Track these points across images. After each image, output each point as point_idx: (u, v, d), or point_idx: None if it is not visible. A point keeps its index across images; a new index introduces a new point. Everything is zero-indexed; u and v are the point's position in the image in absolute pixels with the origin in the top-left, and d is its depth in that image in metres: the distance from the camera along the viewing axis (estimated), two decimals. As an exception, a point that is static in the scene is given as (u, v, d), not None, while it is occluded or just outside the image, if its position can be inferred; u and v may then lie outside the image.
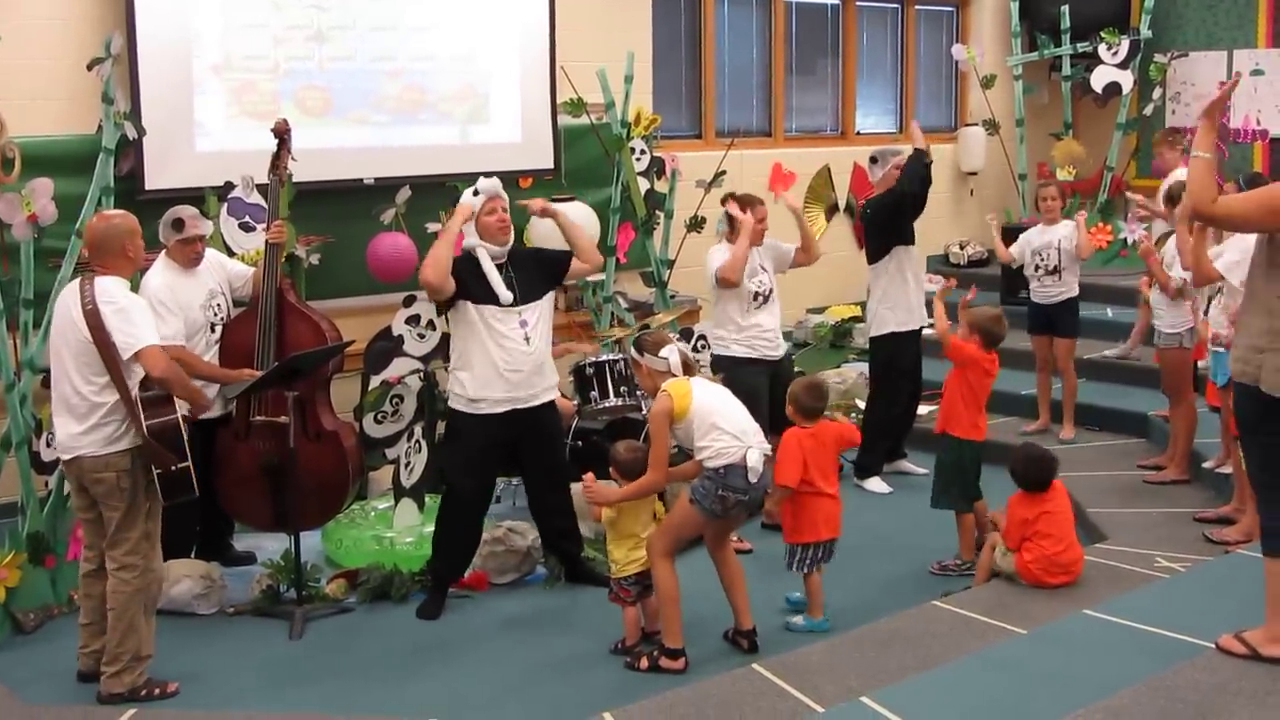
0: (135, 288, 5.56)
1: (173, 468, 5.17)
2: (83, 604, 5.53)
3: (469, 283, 6.15)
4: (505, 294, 6.14)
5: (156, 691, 5.39)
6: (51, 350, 5.35)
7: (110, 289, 5.16)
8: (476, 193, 6.24)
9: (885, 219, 7.91)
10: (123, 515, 5.25)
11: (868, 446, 8.13)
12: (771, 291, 7.38)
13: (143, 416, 5.15)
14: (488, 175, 6.42)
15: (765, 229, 7.36)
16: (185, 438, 5.24)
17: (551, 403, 6.44)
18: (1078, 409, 8.68)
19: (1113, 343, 9.68)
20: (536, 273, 6.34)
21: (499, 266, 6.20)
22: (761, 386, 7.07)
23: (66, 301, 5.24)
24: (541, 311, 6.30)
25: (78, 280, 5.29)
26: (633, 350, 5.88)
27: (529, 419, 6.28)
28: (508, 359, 6.15)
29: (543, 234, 8.69)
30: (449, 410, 6.41)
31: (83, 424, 5.19)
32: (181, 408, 5.35)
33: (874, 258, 7.99)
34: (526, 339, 6.18)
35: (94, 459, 5.19)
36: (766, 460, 5.53)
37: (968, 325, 6.63)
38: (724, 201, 7.47)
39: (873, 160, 8.03)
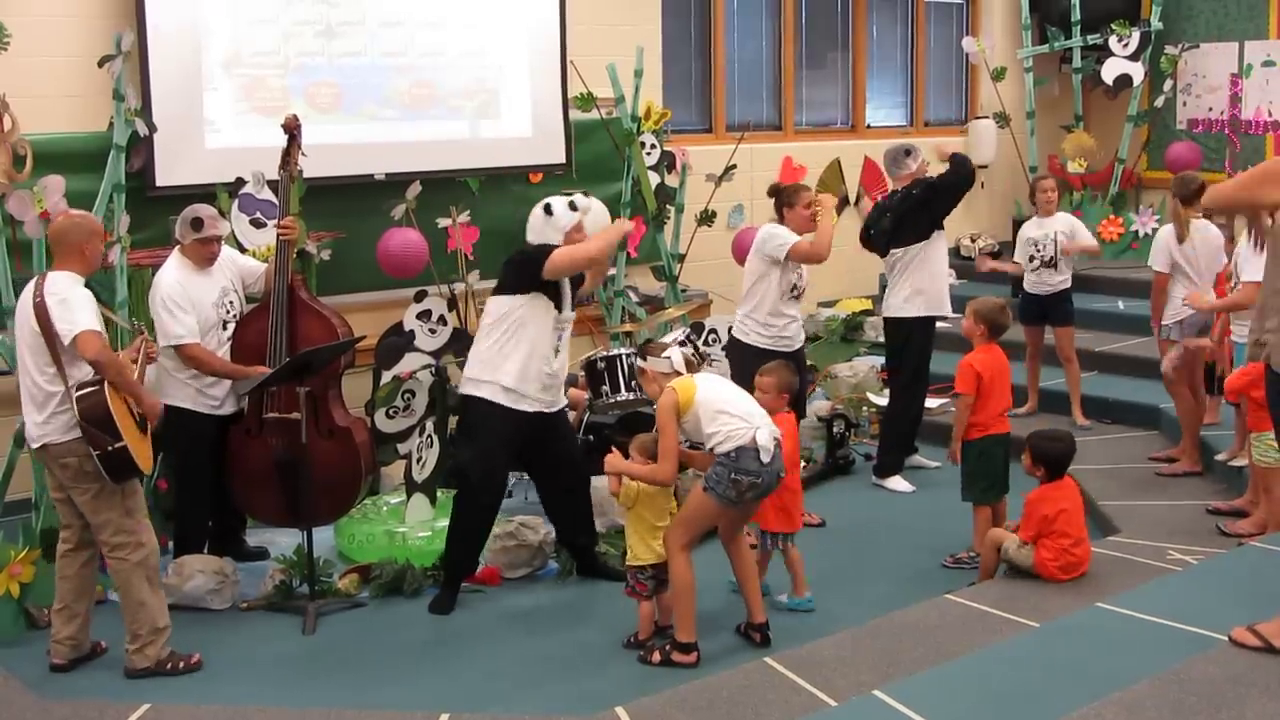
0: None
1: (109, 448, 5.25)
2: (58, 587, 5.60)
3: (549, 284, 6.16)
4: (569, 311, 6.27)
5: (181, 664, 5.54)
6: (17, 344, 5.49)
7: (59, 282, 5.31)
8: (574, 207, 6.21)
9: (932, 193, 7.80)
10: (94, 497, 5.39)
11: (888, 445, 8.11)
12: (806, 286, 7.48)
13: (74, 401, 5.26)
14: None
15: (814, 214, 7.37)
16: (118, 418, 5.26)
17: (564, 408, 6.51)
18: (1089, 401, 8.68)
19: (1123, 336, 9.69)
20: (578, 281, 6.45)
21: None
22: None
23: (24, 298, 5.39)
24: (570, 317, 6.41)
25: (35, 278, 5.43)
26: (637, 361, 5.93)
27: (548, 423, 6.31)
28: (546, 362, 6.20)
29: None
30: (470, 401, 6.26)
31: (42, 412, 5.36)
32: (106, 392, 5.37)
33: (904, 241, 7.81)
34: (556, 351, 6.24)
35: (57, 445, 5.35)
36: (777, 443, 5.53)
37: (973, 316, 6.60)
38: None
39: (906, 153, 7.88)
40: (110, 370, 5.30)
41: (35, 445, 5.43)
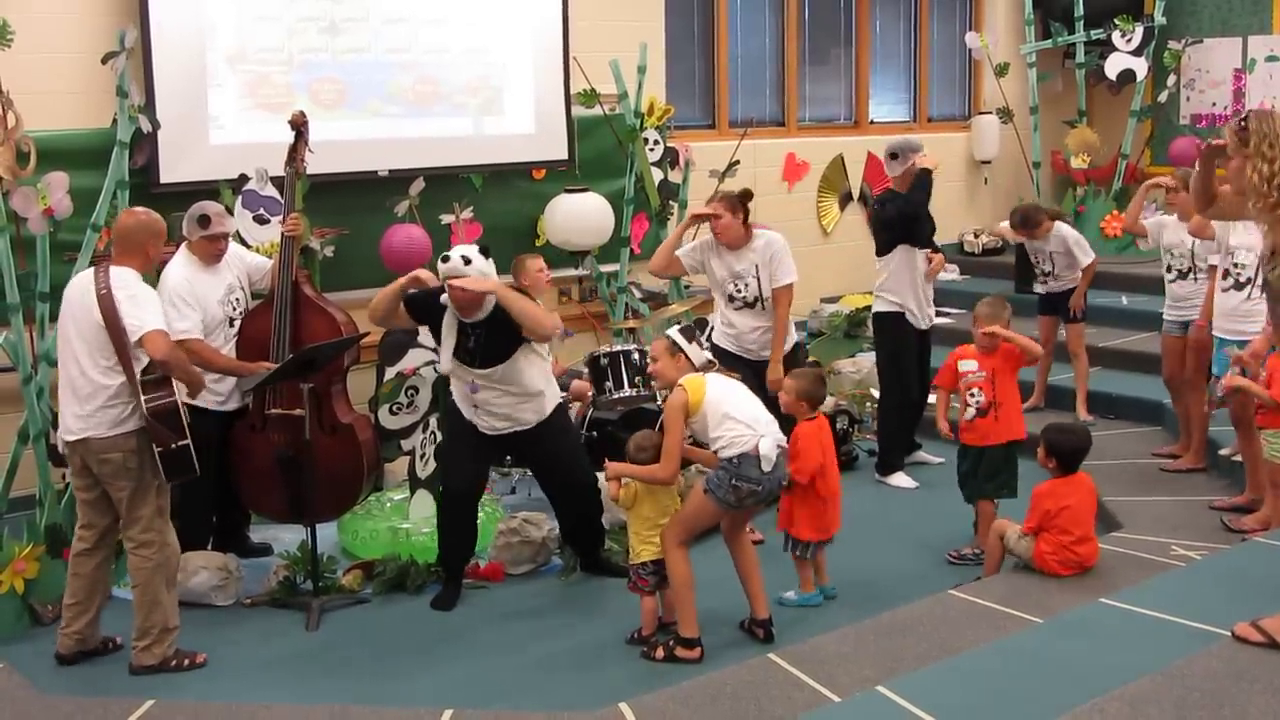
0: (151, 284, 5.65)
1: (172, 445, 5.32)
2: (70, 583, 5.60)
3: (432, 325, 6.15)
4: (444, 363, 6.09)
5: (186, 662, 5.56)
6: (60, 335, 5.48)
7: (125, 277, 5.33)
8: (452, 259, 5.92)
9: (896, 221, 7.85)
10: (131, 494, 5.40)
11: (887, 441, 8.12)
12: (758, 300, 7.10)
13: (142, 397, 5.29)
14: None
15: (725, 228, 7.02)
16: (184, 418, 5.39)
17: (540, 422, 6.31)
18: (1094, 396, 8.68)
19: (1126, 331, 9.69)
20: (507, 335, 6.07)
21: (473, 324, 6.05)
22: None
23: (80, 288, 5.37)
24: (504, 371, 6.10)
25: (91, 269, 5.44)
26: (677, 335, 5.72)
27: (516, 437, 6.30)
28: (465, 397, 6.20)
29: (557, 225, 8.73)
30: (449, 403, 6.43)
31: (88, 406, 5.33)
32: (180, 393, 5.48)
33: (881, 251, 7.93)
34: (475, 407, 6.18)
35: (101, 440, 5.33)
36: (780, 451, 5.54)
37: (992, 321, 6.47)
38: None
39: (892, 156, 7.87)
40: (178, 370, 5.36)
41: (73, 438, 5.39)
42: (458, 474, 6.30)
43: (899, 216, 7.80)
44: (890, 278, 7.88)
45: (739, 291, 7.11)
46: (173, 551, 5.56)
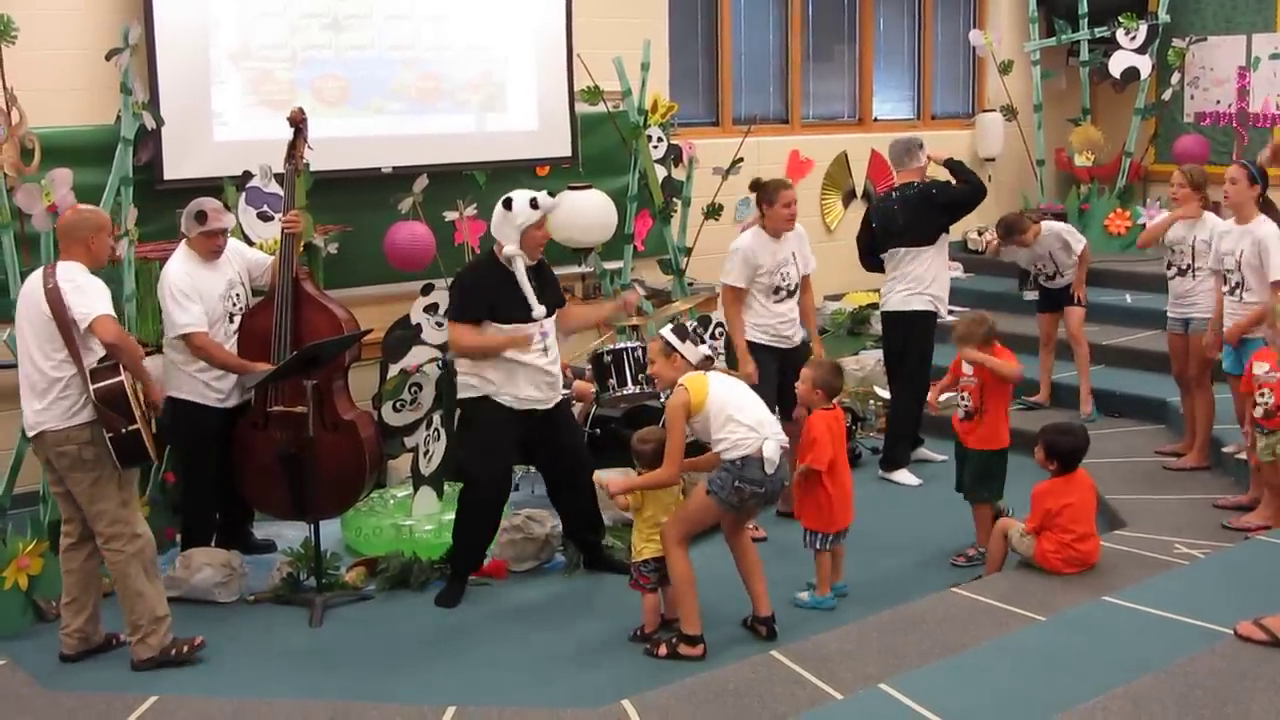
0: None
1: (122, 430, 5.31)
2: (64, 580, 5.63)
3: (497, 301, 6.16)
4: (539, 308, 6.19)
5: (185, 649, 5.56)
6: (17, 333, 5.51)
7: (71, 270, 5.37)
8: (535, 204, 6.15)
9: (952, 205, 7.91)
10: (91, 487, 5.40)
11: (894, 439, 8.11)
12: (796, 286, 7.32)
13: (90, 383, 5.31)
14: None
15: (792, 215, 7.22)
16: (135, 406, 5.36)
17: (563, 399, 6.49)
18: (1097, 395, 8.68)
19: (1130, 330, 9.68)
20: (550, 286, 6.42)
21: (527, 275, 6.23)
22: (771, 372, 7.08)
23: (32, 285, 5.42)
24: (553, 323, 6.37)
25: (42, 267, 5.49)
26: (670, 335, 5.72)
27: (546, 417, 6.33)
28: (529, 371, 6.20)
29: (561, 222, 8.72)
30: (463, 401, 6.38)
31: (43, 399, 5.36)
32: (137, 389, 5.48)
33: (929, 239, 7.84)
34: (546, 350, 6.23)
35: (55, 433, 5.37)
36: (784, 452, 5.53)
37: (964, 343, 6.48)
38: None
39: (920, 146, 7.99)
40: (126, 355, 5.36)
41: (32, 432, 5.44)
42: (492, 473, 6.30)
43: (976, 193, 7.87)
44: (930, 269, 7.83)
45: (784, 280, 7.26)
46: (145, 541, 5.55)
